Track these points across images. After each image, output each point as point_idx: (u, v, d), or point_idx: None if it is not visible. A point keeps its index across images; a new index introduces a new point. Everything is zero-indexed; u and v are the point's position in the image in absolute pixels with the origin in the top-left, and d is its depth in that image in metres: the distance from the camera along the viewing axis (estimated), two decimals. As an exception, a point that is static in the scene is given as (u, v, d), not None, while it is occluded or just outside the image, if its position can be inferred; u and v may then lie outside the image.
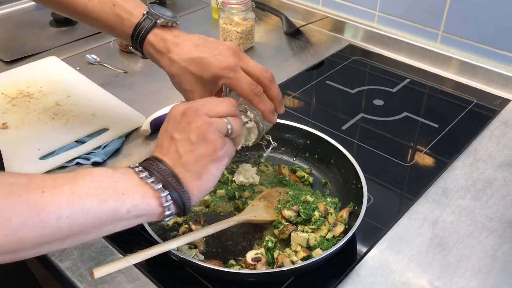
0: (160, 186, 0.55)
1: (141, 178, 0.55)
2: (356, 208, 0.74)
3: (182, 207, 0.56)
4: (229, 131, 0.59)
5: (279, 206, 0.76)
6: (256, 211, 0.75)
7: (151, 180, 0.55)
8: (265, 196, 0.78)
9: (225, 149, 0.58)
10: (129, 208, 0.52)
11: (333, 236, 0.71)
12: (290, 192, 0.79)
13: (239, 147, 0.64)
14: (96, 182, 0.52)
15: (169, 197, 0.55)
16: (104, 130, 0.94)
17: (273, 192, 0.79)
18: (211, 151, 0.57)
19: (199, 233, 0.67)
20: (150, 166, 0.56)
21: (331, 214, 0.74)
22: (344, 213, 0.74)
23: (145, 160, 0.58)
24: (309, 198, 0.77)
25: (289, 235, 0.71)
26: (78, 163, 0.88)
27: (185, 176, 0.56)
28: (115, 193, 0.52)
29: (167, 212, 0.55)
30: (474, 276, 0.69)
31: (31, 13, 1.45)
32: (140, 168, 0.56)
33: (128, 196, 0.53)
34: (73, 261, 0.70)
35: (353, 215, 0.74)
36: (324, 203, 0.76)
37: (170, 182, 0.55)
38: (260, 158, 0.88)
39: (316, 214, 0.72)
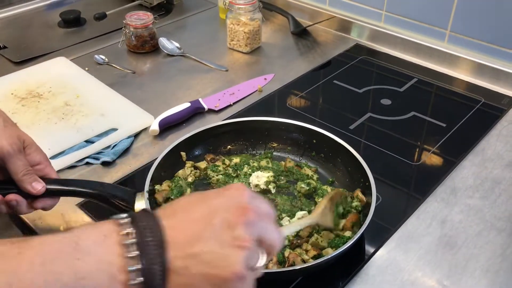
0: (137, 266, 0.42)
1: (124, 246, 0.43)
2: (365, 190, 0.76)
3: None
4: (257, 265, 0.48)
5: (339, 212, 0.74)
6: (326, 216, 0.71)
7: (133, 254, 0.42)
8: (331, 198, 0.73)
9: (240, 284, 0.46)
10: None
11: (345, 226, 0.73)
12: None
13: None
14: (48, 265, 0.41)
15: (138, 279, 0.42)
16: (113, 130, 0.95)
17: (336, 194, 0.74)
18: (224, 274, 0.44)
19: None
20: (144, 231, 0.44)
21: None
22: (359, 193, 0.76)
23: (145, 213, 0.46)
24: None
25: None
26: (87, 163, 0.89)
27: (176, 271, 0.44)
28: (72, 280, 0.41)
29: None
30: (483, 276, 0.69)
31: (40, 14, 1.46)
32: (131, 230, 0.44)
33: (90, 282, 0.41)
34: None
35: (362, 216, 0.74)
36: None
37: (154, 263, 0.43)
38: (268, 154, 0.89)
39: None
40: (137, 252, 0.42)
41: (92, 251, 0.42)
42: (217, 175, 0.84)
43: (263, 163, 0.86)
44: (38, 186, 0.68)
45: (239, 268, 0.44)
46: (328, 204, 0.71)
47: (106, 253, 0.43)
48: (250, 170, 0.85)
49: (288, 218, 0.76)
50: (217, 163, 0.86)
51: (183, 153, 0.85)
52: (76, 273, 0.41)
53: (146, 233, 0.43)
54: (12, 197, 0.67)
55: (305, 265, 0.65)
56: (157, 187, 0.78)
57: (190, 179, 0.83)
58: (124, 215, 0.45)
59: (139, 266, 0.42)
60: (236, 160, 0.87)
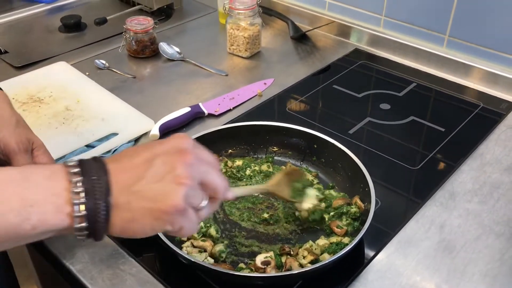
0: (82, 200, 0.46)
1: (70, 182, 0.46)
2: (361, 196, 0.77)
3: (93, 227, 0.47)
4: (201, 205, 0.52)
5: (297, 187, 0.76)
6: (282, 187, 0.75)
7: (78, 189, 0.46)
8: (288, 173, 0.77)
9: (180, 218, 0.49)
10: (35, 224, 0.45)
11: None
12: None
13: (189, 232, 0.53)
14: None
15: (83, 210, 0.46)
16: (113, 134, 0.96)
17: (293, 171, 0.79)
18: (164, 207, 0.48)
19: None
20: (90, 171, 0.47)
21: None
22: (357, 200, 0.76)
23: (94, 160, 0.49)
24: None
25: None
26: (88, 167, 0.89)
27: (119, 206, 0.47)
28: (20, 205, 0.44)
29: (77, 226, 0.47)
30: (481, 280, 0.69)
31: (41, 18, 1.47)
32: (78, 170, 0.47)
33: (37, 209, 0.45)
34: (84, 264, 0.71)
35: (361, 216, 0.75)
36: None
37: (97, 199, 0.46)
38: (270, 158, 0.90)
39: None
40: (82, 188, 0.46)
41: (41, 183, 0.46)
42: None
43: (264, 167, 0.86)
44: None
45: (178, 201, 0.48)
46: (284, 177, 0.75)
47: (53, 186, 0.46)
48: (252, 174, 0.85)
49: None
50: (220, 163, 0.87)
51: None
52: (24, 199, 0.45)
53: (92, 172, 0.47)
54: None
55: (301, 270, 0.66)
56: None
57: None
58: (73, 160, 0.50)
59: (83, 200, 0.46)
60: (238, 162, 0.87)
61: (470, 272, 0.70)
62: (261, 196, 0.82)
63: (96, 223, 0.47)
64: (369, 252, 0.73)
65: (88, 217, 0.46)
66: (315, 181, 0.84)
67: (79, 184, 0.47)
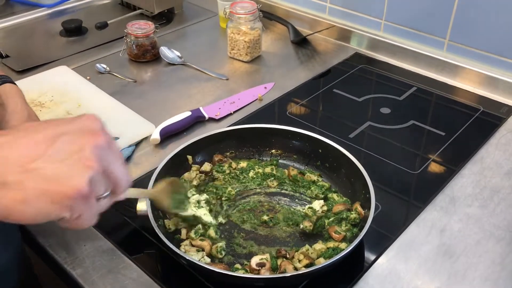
0: None
1: None
2: (362, 202, 0.76)
3: None
4: (103, 195, 0.47)
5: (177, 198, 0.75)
6: (164, 195, 0.72)
7: None
8: (170, 183, 0.74)
9: (82, 204, 0.44)
10: None
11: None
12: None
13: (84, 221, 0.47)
14: None
15: None
16: (114, 138, 0.96)
17: (173, 182, 0.75)
18: (65, 189, 0.43)
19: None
20: None
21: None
22: (357, 206, 0.76)
23: None
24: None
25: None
26: (89, 172, 0.89)
27: (7, 184, 0.42)
28: None
29: None
30: (482, 284, 0.69)
31: (42, 23, 1.47)
32: None
33: None
34: (85, 268, 0.71)
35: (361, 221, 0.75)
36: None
37: None
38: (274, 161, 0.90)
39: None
40: None
41: None
42: (222, 176, 0.86)
43: (268, 170, 0.87)
44: None
45: (83, 184, 0.43)
46: (168, 186, 0.73)
47: None
48: (255, 176, 0.86)
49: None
50: (224, 164, 0.87)
51: (189, 157, 0.86)
52: None
53: None
54: None
55: (295, 273, 0.66)
56: None
57: (195, 182, 0.84)
58: None
59: None
60: (243, 164, 0.88)
61: (470, 277, 0.70)
62: (262, 198, 0.82)
63: None
64: (370, 256, 0.73)
65: None
66: (319, 179, 0.85)
67: None
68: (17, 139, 0.44)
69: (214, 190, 0.83)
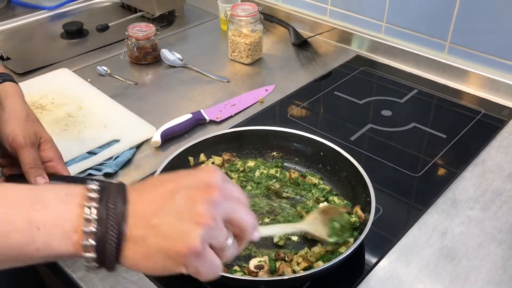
0: (92, 229, 0.43)
1: (83, 207, 0.44)
2: (362, 205, 0.76)
3: (102, 258, 0.44)
4: (225, 246, 0.47)
5: (335, 227, 0.72)
6: (317, 226, 0.71)
7: (90, 217, 0.43)
8: (324, 211, 0.74)
9: (196, 261, 0.45)
10: (39, 247, 0.43)
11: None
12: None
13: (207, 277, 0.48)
14: (5, 207, 0.43)
15: (92, 239, 0.43)
16: (115, 141, 0.96)
17: (329, 209, 0.75)
18: (178, 248, 0.44)
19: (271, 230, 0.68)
20: (108, 197, 0.45)
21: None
22: (358, 210, 0.76)
23: (116, 185, 0.47)
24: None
25: None
26: (90, 174, 0.89)
27: (134, 239, 0.44)
28: (26, 227, 0.42)
29: (85, 256, 0.44)
30: (483, 287, 0.69)
31: (43, 25, 1.48)
32: (96, 195, 0.45)
33: (44, 232, 0.43)
34: (85, 271, 0.71)
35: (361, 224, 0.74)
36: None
37: (110, 229, 0.43)
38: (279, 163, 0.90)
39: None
40: (95, 216, 0.43)
41: (52, 206, 0.44)
42: (236, 175, 0.86)
43: (272, 171, 0.87)
44: (41, 181, 0.69)
45: (194, 243, 0.44)
46: (320, 216, 0.72)
47: (65, 210, 0.44)
48: (260, 175, 0.86)
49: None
50: (236, 163, 0.88)
51: (190, 158, 0.87)
52: (30, 221, 0.42)
53: (109, 201, 0.44)
54: None
55: (292, 276, 0.66)
56: None
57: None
58: (97, 182, 0.46)
59: (93, 229, 0.43)
60: (250, 163, 0.88)
61: (472, 280, 0.70)
62: (264, 200, 0.82)
63: (105, 253, 0.44)
64: (371, 259, 0.73)
65: (97, 247, 0.43)
66: (321, 182, 0.85)
67: (94, 210, 0.43)
68: (142, 195, 0.46)
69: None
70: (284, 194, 0.83)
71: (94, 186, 0.45)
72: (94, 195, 0.45)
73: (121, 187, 0.47)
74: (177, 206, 0.45)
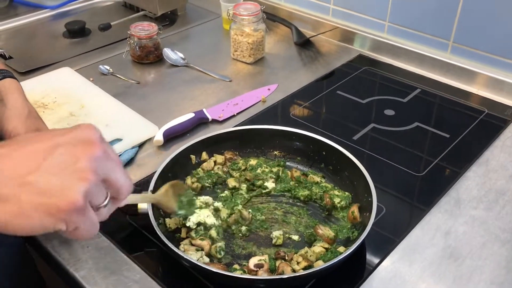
0: None
1: None
2: (364, 205, 0.76)
3: None
4: (102, 204, 0.47)
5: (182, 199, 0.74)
6: (169, 198, 0.72)
7: None
8: (173, 185, 0.73)
9: (77, 217, 0.44)
10: None
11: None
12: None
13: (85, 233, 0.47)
14: None
15: None
16: (117, 140, 0.96)
17: (177, 184, 0.75)
18: (60, 203, 0.43)
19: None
20: None
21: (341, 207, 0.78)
22: (355, 209, 0.76)
23: None
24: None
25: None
26: (92, 173, 0.89)
27: (2, 197, 0.42)
28: None
29: None
30: (487, 287, 0.68)
31: (45, 24, 1.48)
32: None
33: None
34: (88, 270, 0.71)
35: (363, 218, 0.74)
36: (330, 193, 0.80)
37: None
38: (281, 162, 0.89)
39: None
40: None
41: None
42: (238, 173, 0.87)
43: (275, 169, 0.87)
44: None
45: (77, 197, 0.43)
46: (170, 188, 0.72)
47: None
48: (261, 174, 0.86)
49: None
50: (238, 161, 0.88)
51: (192, 156, 0.87)
52: None
53: None
54: None
55: (292, 275, 0.66)
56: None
57: (219, 171, 0.87)
58: None
59: None
60: (253, 162, 0.88)
61: (476, 280, 0.70)
62: (264, 199, 0.82)
63: None
64: (374, 259, 0.73)
65: None
66: (323, 180, 0.84)
67: None
68: (13, 151, 0.44)
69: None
70: (285, 193, 0.83)
71: None
72: None
73: None
74: (57, 162, 0.43)
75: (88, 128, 0.48)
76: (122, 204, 0.52)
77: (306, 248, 0.72)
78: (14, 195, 0.42)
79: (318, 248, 0.72)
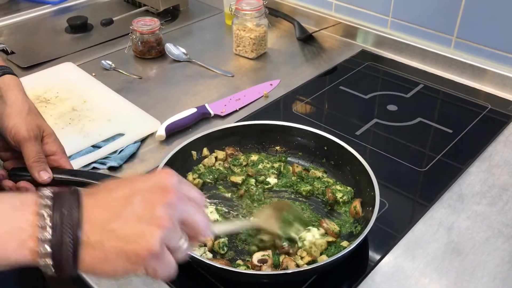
0: (47, 236, 0.43)
1: (37, 215, 0.44)
2: (366, 200, 0.75)
3: (58, 265, 0.44)
4: (179, 247, 0.48)
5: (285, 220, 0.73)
6: (269, 220, 0.72)
7: (45, 224, 0.43)
8: (275, 206, 0.75)
9: (154, 262, 0.46)
10: None
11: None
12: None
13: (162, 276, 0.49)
14: None
15: (47, 247, 0.43)
16: (120, 135, 0.96)
17: (281, 204, 0.76)
18: (138, 250, 0.45)
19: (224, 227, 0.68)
20: (62, 204, 0.45)
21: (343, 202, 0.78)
22: (357, 204, 0.75)
23: (70, 192, 0.47)
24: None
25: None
26: (94, 168, 0.89)
27: (91, 244, 0.44)
28: None
29: (41, 263, 0.44)
30: (490, 283, 0.68)
31: (47, 20, 1.47)
32: (49, 202, 0.45)
33: (1, 242, 0.43)
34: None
35: (365, 213, 0.74)
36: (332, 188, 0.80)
37: (65, 235, 0.43)
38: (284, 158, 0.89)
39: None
40: (49, 223, 0.43)
41: (5, 215, 0.44)
42: (239, 169, 0.87)
43: (276, 165, 0.86)
44: (44, 176, 0.69)
45: (153, 245, 0.45)
46: (271, 211, 0.71)
47: (19, 219, 0.44)
48: (263, 169, 0.86)
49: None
50: (240, 157, 0.88)
51: (194, 152, 0.87)
52: None
53: (63, 207, 0.45)
54: (23, 184, 0.69)
55: (296, 270, 0.66)
56: None
57: (220, 167, 0.87)
58: (51, 189, 0.47)
59: (48, 236, 0.43)
60: (254, 157, 0.88)
61: (479, 275, 0.69)
62: (266, 194, 0.82)
63: (62, 260, 0.44)
64: (376, 254, 0.73)
65: (53, 254, 0.43)
66: (324, 175, 0.84)
67: (47, 218, 0.44)
68: (99, 199, 0.47)
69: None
70: (288, 189, 0.83)
71: (47, 192, 0.46)
72: (47, 202, 0.45)
73: (75, 193, 0.47)
74: (135, 210, 0.46)
75: (166, 173, 0.50)
76: (208, 237, 0.54)
77: (310, 243, 0.72)
78: (100, 241, 0.45)
79: (322, 242, 0.72)
